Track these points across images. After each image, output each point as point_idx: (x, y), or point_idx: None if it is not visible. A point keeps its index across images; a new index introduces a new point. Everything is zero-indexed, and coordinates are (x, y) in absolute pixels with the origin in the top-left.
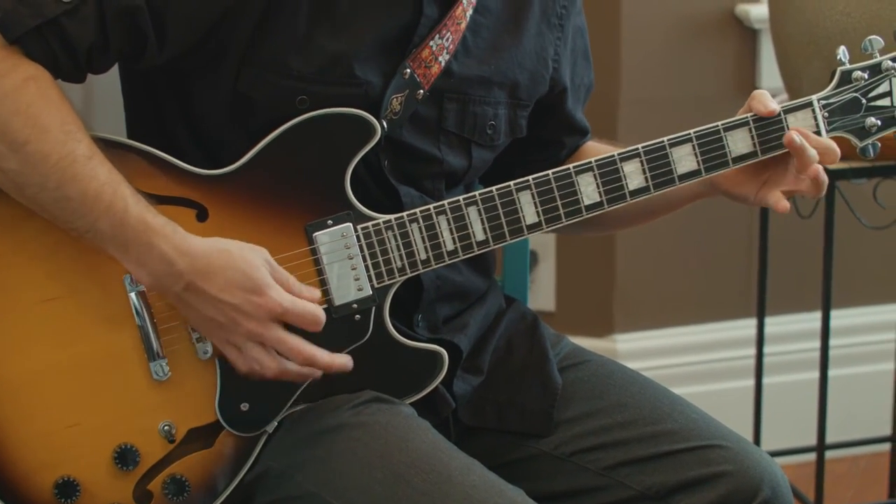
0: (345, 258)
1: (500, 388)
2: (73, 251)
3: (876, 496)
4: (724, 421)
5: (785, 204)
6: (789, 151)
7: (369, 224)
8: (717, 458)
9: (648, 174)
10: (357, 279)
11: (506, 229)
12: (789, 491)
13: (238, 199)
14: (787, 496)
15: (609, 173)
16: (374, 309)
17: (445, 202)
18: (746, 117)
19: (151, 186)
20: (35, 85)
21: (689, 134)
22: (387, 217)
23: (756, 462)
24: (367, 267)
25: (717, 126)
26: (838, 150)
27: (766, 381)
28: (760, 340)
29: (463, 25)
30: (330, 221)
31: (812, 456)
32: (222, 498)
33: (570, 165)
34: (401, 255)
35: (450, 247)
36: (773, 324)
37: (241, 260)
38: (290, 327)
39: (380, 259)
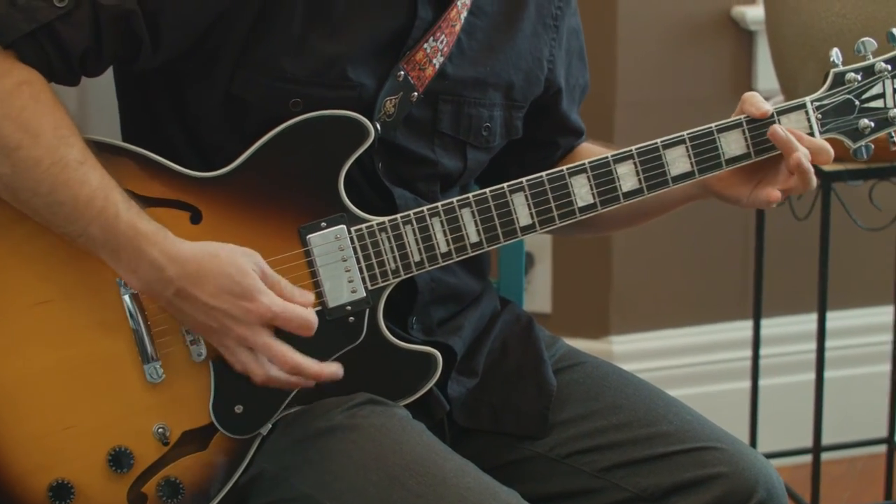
0: (339, 260)
1: (494, 390)
2: (66, 254)
3: (872, 498)
4: (720, 423)
5: (776, 194)
6: (782, 153)
7: (363, 226)
8: (712, 459)
9: (642, 176)
10: (351, 281)
11: (499, 231)
12: (784, 493)
13: (232, 201)
14: (783, 498)
15: (602, 175)
16: (368, 311)
17: (439, 204)
18: (740, 119)
19: (145, 189)
20: (29, 89)
21: (683, 136)
22: (380, 219)
23: (751, 464)
24: (360, 269)
25: (711, 128)
26: (831, 151)
27: (762, 382)
28: (756, 342)
29: (457, 28)
30: (323, 223)
31: (808, 458)
32: (217, 500)
33: (564, 167)
34: (394, 257)
35: (443, 248)
36: (770, 325)
37: (231, 265)
38: (283, 333)
39: (373, 261)
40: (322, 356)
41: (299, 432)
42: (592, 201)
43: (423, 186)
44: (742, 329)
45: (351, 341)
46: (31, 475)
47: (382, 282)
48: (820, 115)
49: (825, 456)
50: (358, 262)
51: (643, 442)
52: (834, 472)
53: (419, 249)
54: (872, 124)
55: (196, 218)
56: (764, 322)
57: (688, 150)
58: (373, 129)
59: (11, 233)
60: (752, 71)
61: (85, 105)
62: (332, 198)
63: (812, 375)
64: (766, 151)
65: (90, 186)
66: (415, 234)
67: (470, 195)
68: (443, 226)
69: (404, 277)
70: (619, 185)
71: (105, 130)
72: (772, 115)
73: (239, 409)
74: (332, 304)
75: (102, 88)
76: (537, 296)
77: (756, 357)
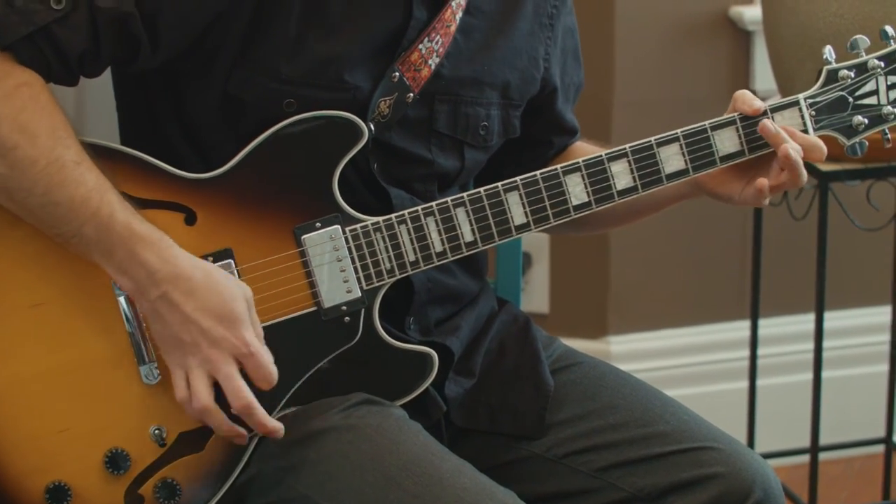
0: (333, 260)
1: (492, 391)
2: (62, 256)
3: (870, 498)
4: (718, 423)
5: (765, 183)
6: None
7: (357, 226)
8: (708, 459)
9: (636, 174)
10: (346, 281)
11: (494, 230)
12: (781, 493)
13: (226, 202)
14: (779, 498)
15: (597, 173)
16: (363, 311)
17: (433, 203)
18: (733, 116)
19: (139, 191)
20: (27, 91)
21: (677, 133)
22: (375, 219)
23: (748, 464)
24: (356, 269)
25: (705, 125)
26: (824, 147)
27: (759, 382)
28: (754, 342)
29: (453, 28)
30: (318, 224)
31: (806, 458)
32: (214, 501)
33: (558, 166)
34: (389, 257)
35: (438, 248)
36: (767, 325)
37: (223, 287)
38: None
39: (368, 261)
40: (318, 357)
41: (296, 433)
42: (587, 200)
43: (419, 186)
44: (740, 329)
45: (347, 341)
46: (27, 477)
47: (378, 282)
48: (814, 112)
49: (823, 456)
50: (353, 262)
51: (640, 442)
52: (831, 472)
53: (414, 249)
54: (866, 121)
55: (191, 219)
56: (761, 322)
57: (682, 148)
58: (366, 129)
59: (7, 236)
60: (749, 71)
61: (83, 105)
62: (327, 198)
63: (810, 375)
64: (759, 148)
65: (86, 187)
66: (409, 234)
67: (464, 194)
68: (437, 225)
69: (399, 277)
70: (614, 184)
71: (103, 131)
72: (765, 112)
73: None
74: (327, 304)
75: (101, 89)
76: (535, 296)
77: (754, 357)
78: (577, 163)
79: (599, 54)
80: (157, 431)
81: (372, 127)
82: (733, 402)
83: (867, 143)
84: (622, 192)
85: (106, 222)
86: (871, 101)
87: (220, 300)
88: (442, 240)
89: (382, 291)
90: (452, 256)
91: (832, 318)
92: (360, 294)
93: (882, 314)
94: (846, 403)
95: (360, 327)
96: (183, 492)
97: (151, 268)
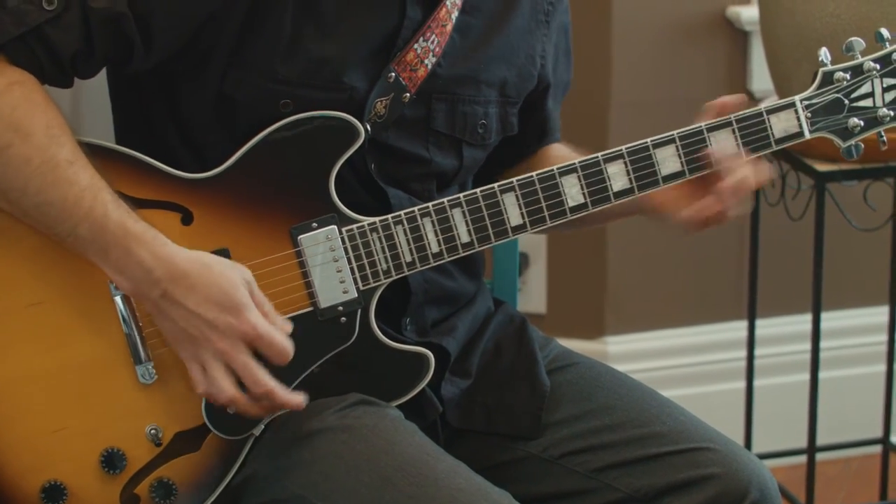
0: (330, 261)
1: (488, 391)
2: (58, 255)
3: (867, 498)
4: (715, 423)
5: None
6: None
7: (354, 226)
8: (705, 460)
9: (632, 175)
10: (342, 282)
11: (490, 231)
12: (777, 493)
13: (223, 202)
14: (776, 499)
15: (593, 175)
16: (359, 311)
17: (430, 204)
18: (730, 118)
19: (135, 190)
20: (20, 89)
21: (673, 135)
22: (371, 219)
23: (744, 464)
24: (352, 269)
25: (701, 127)
26: (770, 171)
27: (757, 383)
28: (751, 342)
29: (449, 27)
30: (314, 224)
31: (803, 458)
32: (209, 501)
33: (555, 167)
34: (386, 258)
35: (435, 249)
36: (764, 326)
37: (222, 277)
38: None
39: (365, 261)
40: (314, 357)
41: (291, 433)
42: (583, 201)
43: (417, 186)
44: (737, 329)
45: (343, 342)
46: (23, 477)
47: (374, 282)
48: (809, 114)
49: (820, 456)
50: (349, 263)
51: (636, 442)
52: (829, 472)
53: (410, 250)
54: (862, 123)
55: (187, 219)
56: (759, 322)
57: (678, 150)
58: (363, 130)
59: (3, 235)
60: (746, 71)
61: (79, 106)
62: (323, 198)
63: (807, 376)
64: (758, 150)
65: (79, 186)
66: (406, 235)
67: (461, 195)
68: (434, 226)
69: (396, 278)
70: (610, 185)
71: (99, 132)
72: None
73: (231, 410)
74: (323, 304)
75: (96, 90)
76: (532, 296)
77: (751, 357)
78: (574, 164)
79: (596, 54)
80: (153, 431)
81: (368, 127)
82: (731, 402)
83: (863, 145)
84: (618, 194)
85: (100, 222)
86: (867, 103)
87: (220, 290)
88: (438, 240)
89: (379, 292)
90: (449, 257)
91: (829, 319)
92: (356, 294)
93: (879, 314)
94: (843, 404)
95: (357, 328)
96: (179, 491)
97: (148, 267)
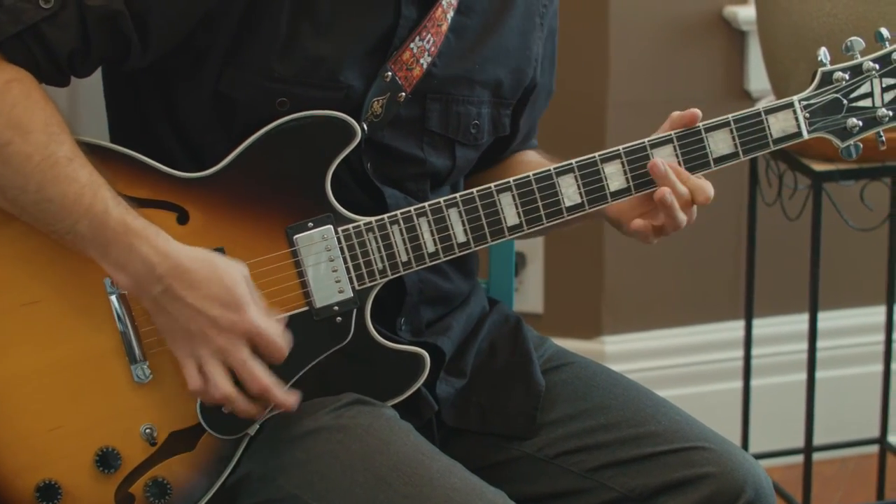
0: (326, 260)
1: (483, 391)
2: (54, 254)
3: (864, 498)
4: (711, 423)
5: (639, 221)
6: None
7: (350, 226)
8: (700, 459)
9: (629, 175)
10: (338, 281)
11: (487, 231)
12: (772, 492)
13: (219, 201)
14: (770, 498)
15: (590, 174)
16: (355, 311)
17: (426, 204)
18: (728, 118)
19: (132, 190)
20: (18, 86)
21: (670, 135)
22: (367, 219)
23: (739, 464)
24: (348, 269)
25: (699, 127)
26: (710, 191)
27: (753, 382)
28: (748, 342)
29: (444, 27)
30: (310, 223)
31: (800, 458)
32: (204, 500)
33: (552, 167)
34: (381, 257)
35: (430, 248)
36: (761, 326)
37: (224, 273)
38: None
39: (360, 261)
40: (309, 357)
41: (286, 433)
42: (580, 201)
43: (412, 185)
44: (734, 329)
45: (338, 342)
46: (17, 475)
47: (370, 282)
48: (808, 115)
49: (817, 456)
50: (345, 262)
51: (631, 442)
52: (826, 472)
53: (406, 249)
54: (860, 123)
55: (183, 218)
56: (756, 322)
57: (675, 150)
58: (359, 129)
59: None
60: (743, 71)
61: (75, 105)
62: (319, 198)
63: (804, 375)
64: (754, 150)
65: (79, 183)
66: (402, 234)
67: (457, 195)
68: (430, 226)
69: (392, 277)
70: (607, 185)
71: (96, 130)
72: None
73: (227, 409)
74: (319, 304)
75: (93, 89)
76: (529, 296)
77: (748, 357)
78: (571, 164)
79: (593, 54)
80: (147, 430)
81: (365, 127)
82: (727, 402)
83: (861, 145)
84: (615, 194)
85: (100, 218)
86: (866, 103)
87: (222, 287)
88: (434, 240)
89: (374, 292)
90: (445, 257)
91: (826, 319)
92: (352, 294)
93: (876, 314)
94: (840, 403)
95: (352, 327)
96: (173, 491)
97: (150, 262)
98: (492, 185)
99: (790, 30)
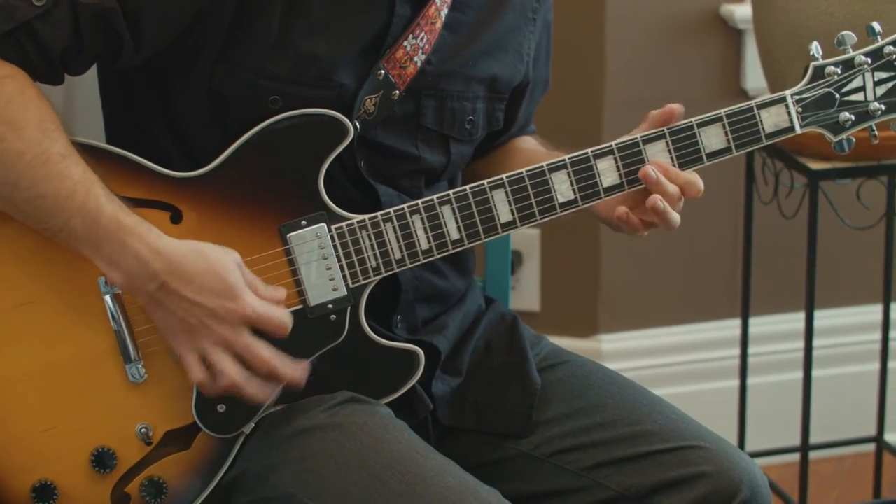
0: (319, 258)
1: (479, 389)
2: (48, 254)
3: (861, 496)
4: (708, 421)
5: (623, 209)
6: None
7: (343, 224)
8: (696, 458)
9: (622, 171)
10: (332, 279)
11: (480, 227)
12: (769, 491)
13: (212, 200)
14: (767, 497)
15: (583, 171)
16: (349, 309)
17: (419, 201)
18: (720, 113)
19: (125, 190)
20: (12, 83)
21: (663, 130)
22: (360, 217)
23: (735, 463)
24: (341, 267)
25: (691, 122)
26: (700, 185)
27: (750, 381)
28: (745, 341)
29: (438, 25)
30: (304, 222)
31: (797, 456)
32: (200, 499)
33: (544, 163)
34: (375, 255)
35: (424, 246)
36: (758, 324)
37: (217, 263)
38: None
39: (354, 259)
40: (304, 355)
41: (281, 431)
42: (573, 197)
43: (406, 182)
44: (730, 328)
45: (332, 339)
46: (13, 476)
47: (364, 279)
48: (800, 109)
49: (813, 455)
50: (339, 260)
51: (627, 440)
52: (822, 470)
53: (400, 247)
54: (853, 118)
55: (176, 218)
56: (752, 321)
57: (668, 145)
58: (352, 127)
59: None
60: (740, 69)
61: (71, 104)
62: (313, 196)
63: (800, 374)
64: (747, 145)
65: (72, 180)
66: (395, 232)
67: (450, 192)
68: (423, 223)
69: (385, 275)
70: (600, 181)
71: (91, 129)
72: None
73: (221, 408)
74: (313, 302)
75: (88, 87)
76: (526, 294)
77: (744, 356)
78: (563, 160)
79: (590, 53)
80: (143, 430)
81: (357, 124)
82: (724, 400)
83: (854, 139)
84: (608, 189)
85: (93, 215)
86: (858, 97)
87: (216, 277)
88: (428, 237)
89: (368, 289)
90: (439, 254)
91: (822, 317)
92: (346, 292)
93: (872, 312)
94: (837, 402)
95: (347, 325)
96: (169, 490)
97: (143, 259)
98: (485, 181)
99: (786, 28)
